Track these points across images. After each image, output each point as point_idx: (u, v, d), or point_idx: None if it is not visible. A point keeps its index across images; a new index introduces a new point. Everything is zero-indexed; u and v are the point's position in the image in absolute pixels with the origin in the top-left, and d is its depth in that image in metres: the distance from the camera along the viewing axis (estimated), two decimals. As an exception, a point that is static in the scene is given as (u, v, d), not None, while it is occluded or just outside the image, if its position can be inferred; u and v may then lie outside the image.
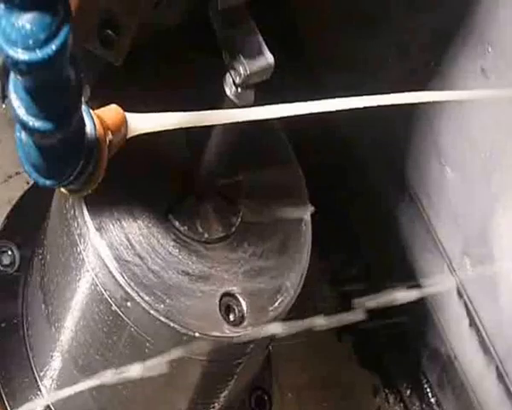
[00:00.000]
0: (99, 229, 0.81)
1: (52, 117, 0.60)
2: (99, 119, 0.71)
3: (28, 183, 1.15)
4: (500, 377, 1.09)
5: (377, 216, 1.25)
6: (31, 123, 0.60)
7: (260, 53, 0.76)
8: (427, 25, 1.07)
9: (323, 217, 0.92)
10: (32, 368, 1.00)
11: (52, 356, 0.96)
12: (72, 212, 0.83)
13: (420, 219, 1.17)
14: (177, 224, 0.84)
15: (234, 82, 0.76)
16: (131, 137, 0.75)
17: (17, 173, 1.18)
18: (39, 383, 1.00)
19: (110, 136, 0.72)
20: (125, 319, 0.82)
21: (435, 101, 0.82)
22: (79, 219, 0.82)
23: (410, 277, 1.19)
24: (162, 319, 0.79)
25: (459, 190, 1.09)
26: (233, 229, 0.87)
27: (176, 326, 0.79)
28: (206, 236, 0.85)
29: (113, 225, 0.82)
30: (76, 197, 0.81)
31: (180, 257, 0.83)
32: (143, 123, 0.74)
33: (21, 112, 0.60)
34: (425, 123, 1.11)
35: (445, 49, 1.04)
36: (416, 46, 1.09)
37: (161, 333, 0.81)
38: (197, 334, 0.80)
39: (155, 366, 0.85)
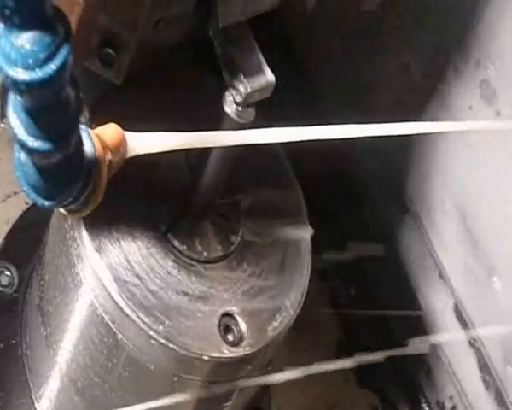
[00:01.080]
0: (98, 249, 0.81)
1: (51, 137, 0.60)
2: (98, 138, 0.71)
3: (27, 203, 1.15)
4: (499, 397, 1.09)
5: (377, 236, 1.25)
6: (30, 143, 0.60)
7: (261, 71, 0.77)
8: (428, 41, 1.07)
9: (323, 236, 0.92)
10: (29, 389, 1.00)
11: (50, 378, 0.96)
12: (71, 232, 0.83)
13: (421, 240, 1.17)
14: (176, 243, 0.84)
15: (234, 100, 0.76)
16: (131, 158, 0.75)
17: (15, 193, 1.18)
18: (36, 405, 1.00)
19: (109, 155, 0.72)
20: (124, 340, 0.81)
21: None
22: (78, 240, 0.82)
23: (409, 295, 1.20)
24: (161, 340, 0.79)
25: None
26: (232, 248, 0.87)
27: (175, 347, 0.80)
28: (205, 254, 0.85)
29: (112, 245, 0.82)
30: (75, 218, 0.81)
31: (179, 277, 0.83)
32: (143, 143, 0.74)
33: (20, 132, 0.60)
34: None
35: (445, 65, 1.04)
36: (416, 62, 1.10)
37: (160, 354, 0.81)
38: (196, 355, 0.80)
39: (155, 387, 0.86)
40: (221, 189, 0.85)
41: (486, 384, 1.09)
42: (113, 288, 0.80)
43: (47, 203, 0.69)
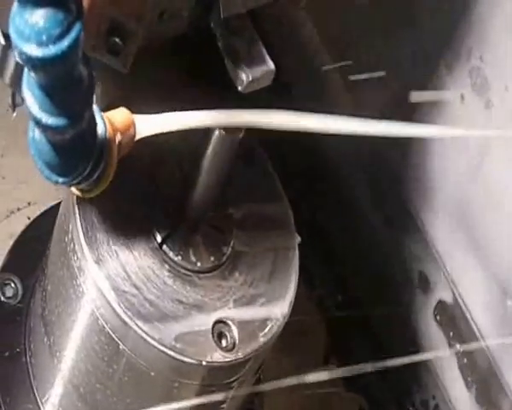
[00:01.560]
0: (97, 261, 0.83)
1: (65, 113, 0.61)
2: (108, 120, 0.73)
3: (29, 218, 1.17)
4: (479, 397, 1.10)
5: (361, 242, 1.26)
6: (44, 119, 0.61)
7: (262, 60, 0.79)
8: (419, 30, 1.07)
9: (310, 245, 0.94)
10: (35, 395, 1.02)
11: (54, 384, 0.98)
12: (72, 245, 0.86)
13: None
14: (171, 254, 0.87)
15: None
16: (130, 165, 0.77)
17: (19, 209, 1.19)
18: None
19: (119, 137, 0.74)
20: (124, 347, 0.84)
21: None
22: (79, 253, 0.85)
23: (395, 299, 1.21)
24: (158, 346, 0.82)
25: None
26: (224, 258, 0.89)
27: (171, 353, 0.82)
28: (198, 265, 0.88)
29: (110, 257, 0.84)
30: (86, 197, 0.82)
31: (175, 287, 0.85)
32: (150, 124, 0.76)
33: (35, 109, 0.61)
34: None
35: (436, 55, 1.04)
36: (408, 59, 1.10)
37: (157, 360, 0.84)
38: (191, 360, 0.83)
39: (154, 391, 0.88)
40: (213, 202, 0.88)
41: (467, 384, 1.10)
42: (112, 297, 0.82)
43: (61, 180, 0.69)
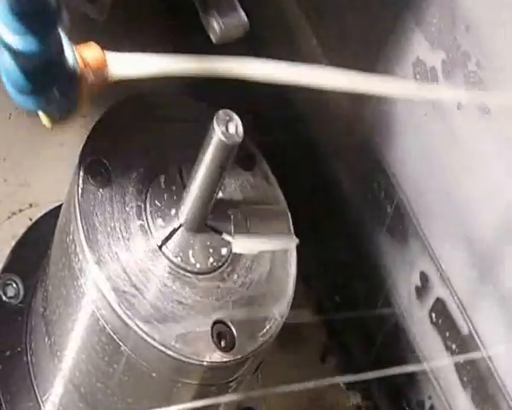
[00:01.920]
0: (98, 262, 0.84)
1: (33, 35, 0.63)
2: (78, 51, 0.73)
3: (31, 219, 1.18)
4: (475, 397, 1.11)
5: (359, 243, 1.26)
6: (14, 45, 0.64)
7: (234, 11, 0.80)
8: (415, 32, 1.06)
9: (308, 246, 0.95)
10: (35, 394, 1.03)
11: (55, 384, 0.99)
12: (73, 247, 0.87)
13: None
14: (170, 256, 0.88)
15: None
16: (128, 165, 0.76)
17: (20, 211, 1.20)
18: (43, 409, 1.03)
19: (91, 74, 0.74)
20: (124, 347, 0.85)
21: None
22: (80, 254, 0.86)
23: (391, 300, 1.22)
24: (158, 346, 0.83)
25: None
26: (223, 260, 0.90)
27: (171, 353, 0.83)
28: (198, 266, 0.89)
29: (111, 258, 0.85)
30: (56, 125, 0.80)
31: (174, 288, 0.86)
32: (126, 65, 0.74)
33: (5, 33, 0.63)
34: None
35: (433, 67, 1.05)
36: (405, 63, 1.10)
37: (157, 360, 0.85)
38: (191, 360, 0.84)
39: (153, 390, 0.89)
40: (212, 205, 0.89)
41: (463, 384, 1.11)
42: (112, 298, 0.83)
43: (31, 105, 0.71)
